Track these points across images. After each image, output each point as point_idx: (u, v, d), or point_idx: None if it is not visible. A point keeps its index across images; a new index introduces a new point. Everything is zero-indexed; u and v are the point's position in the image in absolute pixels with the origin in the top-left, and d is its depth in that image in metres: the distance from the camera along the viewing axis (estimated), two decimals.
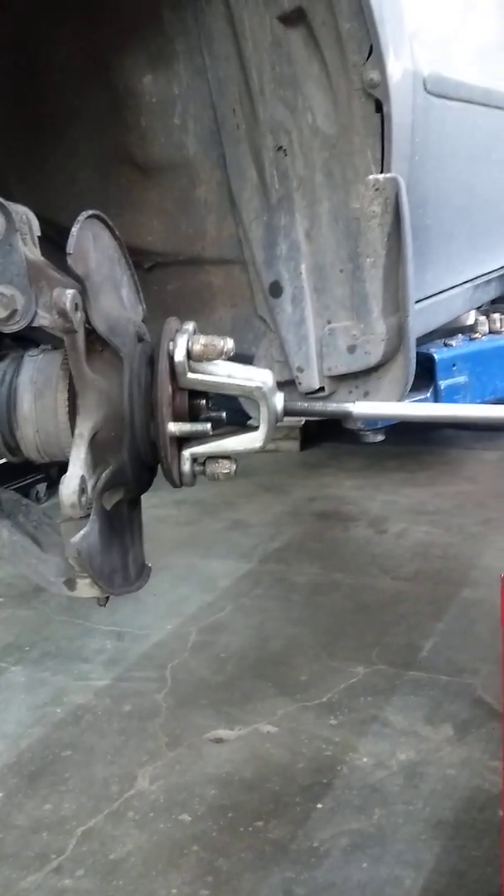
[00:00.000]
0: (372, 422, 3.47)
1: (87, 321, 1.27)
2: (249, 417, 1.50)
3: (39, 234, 1.37)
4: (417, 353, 1.96)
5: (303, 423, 4.44)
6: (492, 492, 3.75)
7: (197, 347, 1.30)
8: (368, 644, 2.48)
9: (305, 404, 1.49)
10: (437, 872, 1.64)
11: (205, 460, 1.35)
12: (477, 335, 3.53)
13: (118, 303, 1.38)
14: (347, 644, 2.49)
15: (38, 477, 3.58)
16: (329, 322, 1.94)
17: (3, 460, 1.43)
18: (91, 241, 1.32)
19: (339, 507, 3.68)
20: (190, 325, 1.34)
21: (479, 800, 1.82)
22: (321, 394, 1.98)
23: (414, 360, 1.92)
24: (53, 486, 3.55)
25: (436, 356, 3.23)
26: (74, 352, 1.26)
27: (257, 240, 1.98)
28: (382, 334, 1.88)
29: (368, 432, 3.76)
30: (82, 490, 1.25)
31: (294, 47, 1.78)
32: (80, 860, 1.72)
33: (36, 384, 1.35)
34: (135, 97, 1.98)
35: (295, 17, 1.75)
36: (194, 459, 1.35)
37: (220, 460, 1.36)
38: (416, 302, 1.99)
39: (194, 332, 1.34)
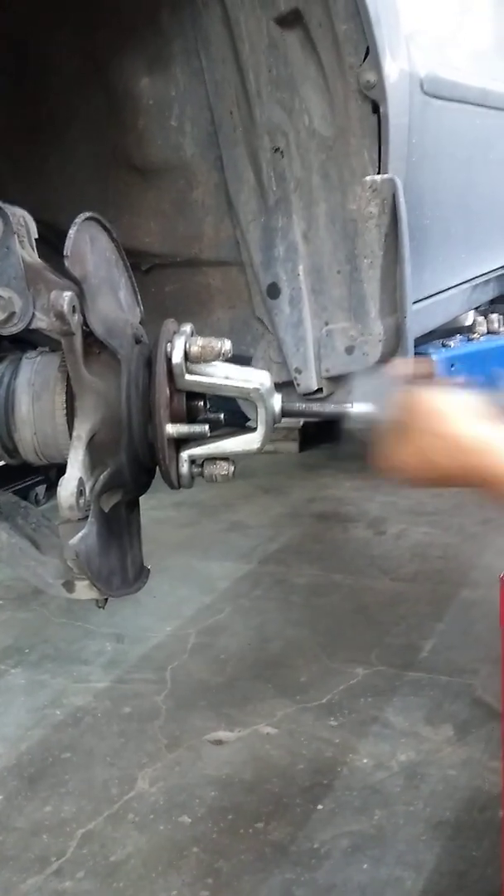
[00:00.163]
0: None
1: (85, 323, 1.27)
2: (248, 419, 1.50)
3: (37, 236, 1.37)
4: (415, 353, 1.96)
5: (301, 424, 4.44)
6: None
7: (194, 349, 1.30)
8: (368, 645, 2.48)
9: (303, 405, 1.49)
10: (438, 873, 1.64)
11: (203, 462, 1.35)
12: (475, 336, 3.52)
13: (116, 305, 1.39)
14: (347, 645, 2.49)
15: (37, 479, 3.58)
16: (327, 323, 1.94)
17: (2, 462, 1.43)
18: (88, 244, 1.32)
19: (338, 508, 3.68)
20: (187, 327, 1.34)
21: (479, 800, 1.82)
22: (319, 395, 1.99)
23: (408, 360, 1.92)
24: (52, 488, 3.54)
25: (434, 357, 3.23)
26: (72, 354, 1.26)
27: (255, 241, 1.98)
28: (380, 335, 1.89)
29: (367, 433, 3.74)
30: (80, 492, 1.25)
31: (291, 49, 1.79)
32: (80, 862, 1.72)
33: (33, 386, 1.36)
34: (132, 99, 1.99)
35: (291, 19, 1.75)
36: (192, 461, 1.35)
37: (218, 462, 1.36)
38: (414, 303, 1.99)
39: (192, 334, 1.34)
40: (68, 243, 1.25)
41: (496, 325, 3.59)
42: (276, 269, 1.96)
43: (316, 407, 1.56)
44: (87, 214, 1.32)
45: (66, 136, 2.11)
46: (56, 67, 2.03)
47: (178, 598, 2.85)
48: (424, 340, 3.16)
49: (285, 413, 1.37)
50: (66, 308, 1.20)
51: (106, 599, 1.38)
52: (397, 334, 1.90)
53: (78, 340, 1.26)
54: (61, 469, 1.28)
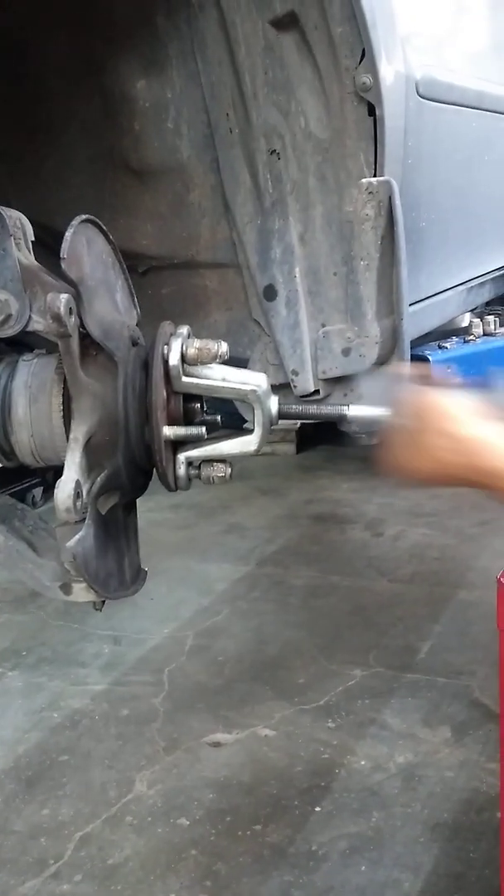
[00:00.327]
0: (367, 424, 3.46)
1: (82, 325, 1.28)
2: (245, 421, 1.50)
3: (33, 238, 1.38)
4: (412, 355, 1.97)
5: (298, 426, 4.44)
6: None
7: (191, 351, 1.30)
8: (366, 647, 2.47)
9: (300, 407, 1.49)
10: (436, 875, 1.64)
11: (200, 464, 1.36)
12: (471, 337, 3.53)
13: (112, 307, 1.39)
14: (345, 647, 2.49)
15: (34, 481, 3.57)
16: (323, 325, 1.94)
17: None
18: (85, 246, 1.32)
19: (336, 509, 3.68)
20: (184, 329, 1.34)
21: (477, 802, 1.82)
22: (316, 397, 1.99)
23: (408, 363, 1.93)
24: (49, 490, 3.54)
25: (430, 358, 3.24)
26: (69, 356, 1.26)
27: (251, 243, 1.99)
28: (377, 337, 1.89)
29: (364, 435, 3.76)
30: (77, 494, 1.25)
31: (287, 52, 1.79)
32: (78, 865, 1.71)
33: (30, 389, 1.36)
34: (129, 102, 1.99)
35: (287, 22, 1.76)
36: (189, 463, 1.35)
37: (215, 464, 1.36)
38: (411, 304, 2.00)
39: (189, 336, 1.34)
40: (65, 245, 1.25)
41: (492, 326, 3.60)
42: (272, 271, 1.96)
43: (313, 409, 1.56)
44: (84, 217, 1.33)
45: (63, 138, 2.12)
46: (53, 70, 2.04)
47: (175, 600, 2.84)
48: (421, 342, 3.17)
49: (282, 415, 1.37)
50: (62, 310, 1.20)
51: (103, 602, 1.39)
52: (394, 336, 1.90)
53: (74, 342, 1.26)
54: (58, 471, 1.28)
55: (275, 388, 1.46)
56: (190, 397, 1.35)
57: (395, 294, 1.87)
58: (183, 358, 1.30)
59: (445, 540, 3.25)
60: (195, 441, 1.34)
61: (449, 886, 1.61)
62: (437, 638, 2.51)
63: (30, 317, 1.26)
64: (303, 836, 1.76)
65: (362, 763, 1.97)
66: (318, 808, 1.83)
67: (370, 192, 1.81)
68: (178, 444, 1.35)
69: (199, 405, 1.37)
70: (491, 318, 3.62)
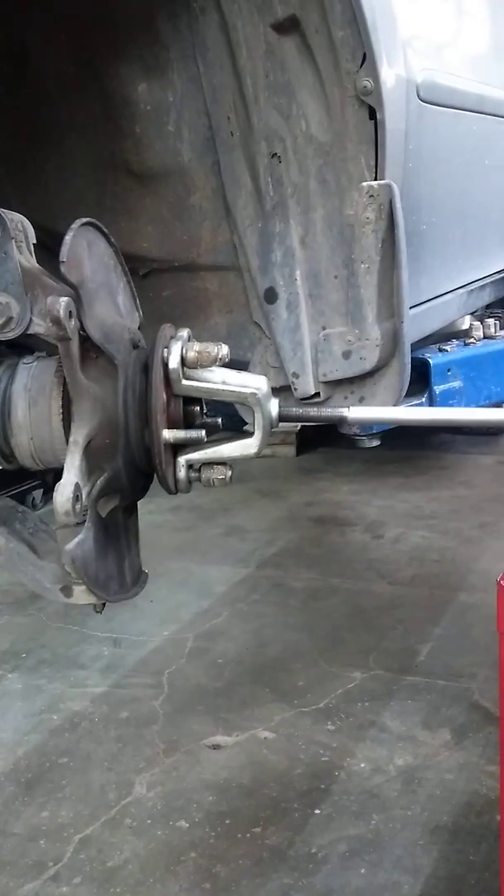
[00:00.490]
0: (368, 427, 3.48)
1: (82, 328, 1.28)
2: (245, 423, 1.50)
3: (35, 241, 1.38)
4: (412, 358, 1.97)
5: (299, 428, 4.45)
6: (488, 496, 3.75)
7: (191, 354, 1.30)
8: (366, 649, 2.48)
9: (301, 410, 1.50)
10: (435, 878, 1.64)
11: (200, 466, 1.36)
12: (472, 340, 3.54)
13: (114, 310, 1.39)
14: (345, 649, 2.49)
15: (34, 483, 3.57)
16: (324, 328, 1.94)
17: None
18: (86, 249, 1.32)
19: (336, 512, 3.68)
20: (184, 332, 1.35)
21: (476, 804, 1.82)
22: (316, 399, 1.99)
23: (409, 366, 1.93)
24: (49, 492, 3.54)
25: (431, 361, 3.24)
26: (69, 359, 1.26)
27: (252, 246, 1.99)
28: (377, 340, 1.89)
29: (364, 437, 3.76)
30: (77, 497, 1.26)
31: (288, 55, 1.79)
32: (77, 868, 1.71)
33: (30, 391, 1.36)
34: (130, 105, 1.99)
35: (288, 25, 1.76)
36: (189, 466, 1.35)
37: (215, 466, 1.36)
38: (411, 307, 2.00)
39: (189, 339, 1.34)
40: (65, 248, 1.25)
41: (492, 329, 3.60)
42: (273, 274, 1.96)
43: (313, 411, 1.56)
44: (85, 220, 1.33)
45: (64, 141, 2.12)
46: (53, 73, 2.04)
47: (175, 602, 2.85)
48: (421, 345, 3.17)
49: (282, 417, 1.38)
50: (62, 313, 1.20)
51: (103, 604, 1.39)
52: (394, 339, 1.90)
53: (75, 345, 1.26)
54: (58, 474, 1.28)
55: (275, 391, 1.46)
56: (190, 400, 1.35)
57: (396, 297, 1.87)
58: (183, 361, 1.30)
59: (445, 542, 3.26)
60: (195, 444, 1.34)
61: (448, 889, 1.61)
62: (436, 640, 2.52)
63: (31, 319, 1.26)
64: (302, 838, 1.76)
65: (362, 766, 1.97)
66: (317, 811, 1.83)
67: (371, 196, 1.81)
68: (178, 447, 1.35)
69: (199, 408, 1.37)
70: (491, 321, 3.63)
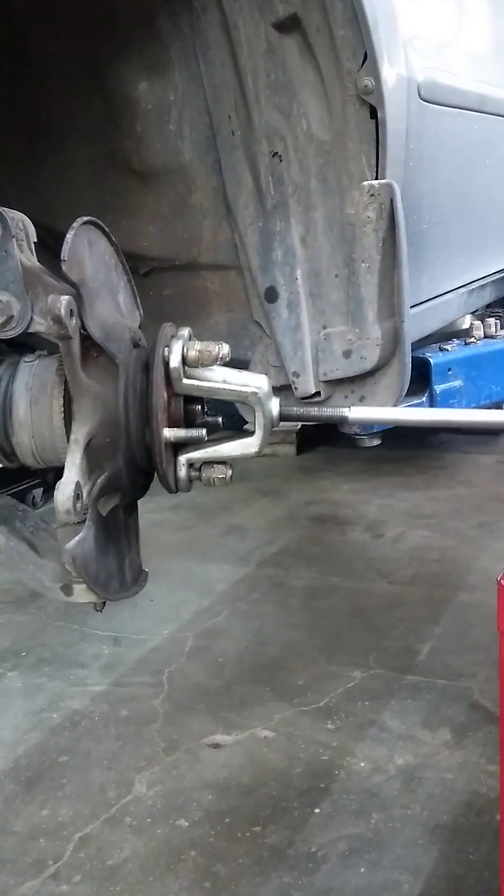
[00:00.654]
0: (368, 426, 3.48)
1: (83, 327, 1.28)
2: (245, 422, 1.50)
3: (36, 240, 1.38)
4: (413, 357, 1.97)
5: (299, 427, 4.45)
6: (488, 495, 3.75)
7: (192, 353, 1.30)
8: (366, 648, 2.48)
9: (301, 409, 1.49)
10: (435, 877, 1.64)
11: (200, 465, 1.36)
12: (472, 340, 3.54)
13: (114, 309, 1.39)
14: (345, 648, 2.49)
15: (35, 482, 3.58)
16: (325, 327, 1.94)
17: (0, 466, 1.43)
18: (87, 248, 1.32)
19: (336, 511, 3.68)
20: (185, 331, 1.35)
21: (476, 804, 1.82)
22: (317, 399, 1.99)
23: (409, 365, 1.93)
24: (50, 490, 3.55)
25: (431, 361, 3.24)
26: (70, 358, 1.26)
27: (253, 245, 1.99)
28: (378, 339, 1.89)
29: (365, 437, 3.76)
30: (77, 496, 1.26)
31: (289, 54, 1.79)
32: (77, 866, 1.72)
33: (31, 390, 1.36)
34: (131, 104, 1.99)
35: (290, 24, 1.76)
36: (190, 465, 1.35)
37: (215, 465, 1.37)
38: (412, 307, 2.00)
39: (190, 338, 1.34)
40: (66, 247, 1.25)
41: (493, 329, 3.60)
42: (274, 273, 1.96)
43: (314, 410, 1.56)
44: (85, 218, 1.33)
45: (65, 140, 2.12)
46: (54, 72, 2.04)
47: (175, 601, 2.85)
48: (422, 344, 3.17)
49: (283, 417, 1.38)
50: (63, 312, 1.21)
51: (104, 603, 1.39)
52: (395, 338, 1.90)
53: (76, 344, 1.26)
54: (59, 472, 1.28)
55: (276, 390, 1.46)
56: (191, 399, 1.35)
57: (397, 296, 1.87)
58: (184, 360, 1.30)
59: (445, 542, 3.26)
60: (196, 443, 1.34)
61: (448, 888, 1.61)
62: (437, 640, 2.52)
63: (31, 318, 1.26)
64: (302, 837, 1.76)
65: (362, 765, 1.97)
66: (317, 810, 1.83)
67: (372, 195, 1.81)
68: (178, 446, 1.35)
69: (199, 407, 1.37)
70: (492, 321, 3.63)
